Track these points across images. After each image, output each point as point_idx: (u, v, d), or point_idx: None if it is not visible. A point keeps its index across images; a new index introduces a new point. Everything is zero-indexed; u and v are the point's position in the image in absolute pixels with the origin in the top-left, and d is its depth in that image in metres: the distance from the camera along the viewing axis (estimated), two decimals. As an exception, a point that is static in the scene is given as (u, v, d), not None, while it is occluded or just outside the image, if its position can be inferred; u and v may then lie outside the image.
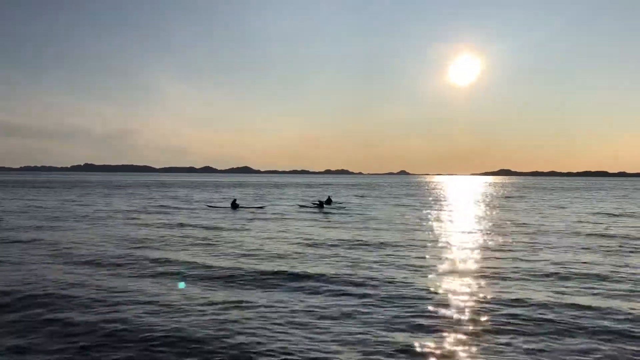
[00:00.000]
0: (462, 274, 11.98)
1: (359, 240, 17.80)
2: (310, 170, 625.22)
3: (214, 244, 16.68)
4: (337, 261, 13.56)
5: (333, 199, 42.51)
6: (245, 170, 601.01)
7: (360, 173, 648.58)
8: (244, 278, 11.34)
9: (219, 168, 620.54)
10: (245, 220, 25.86)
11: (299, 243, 17.16)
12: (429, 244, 16.62)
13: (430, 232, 20.27)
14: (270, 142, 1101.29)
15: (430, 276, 11.63)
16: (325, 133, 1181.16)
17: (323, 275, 11.64)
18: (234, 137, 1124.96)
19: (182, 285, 10.04)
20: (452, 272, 12.17)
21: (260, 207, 34.72)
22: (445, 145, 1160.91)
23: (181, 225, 22.69)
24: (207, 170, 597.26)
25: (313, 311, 8.80)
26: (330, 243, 17.17)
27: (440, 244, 16.85)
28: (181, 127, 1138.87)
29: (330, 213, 31.13)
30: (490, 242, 17.41)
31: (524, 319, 8.49)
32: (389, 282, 10.97)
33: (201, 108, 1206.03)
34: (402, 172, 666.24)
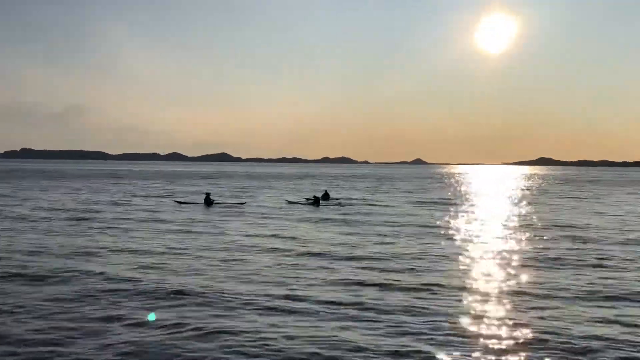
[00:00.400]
0: (503, 296, 11.82)
1: (363, 250, 17.90)
2: (304, 159, 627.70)
3: (176, 254, 16.65)
4: (336, 281, 13.26)
5: (331, 194, 43.02)
6: (222, 157, 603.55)
7: (365, 162, 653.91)
8: (211, 301, 11.12)
9: (189, 155, 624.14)
10: (221, 220, 26.33)
11: (285, 252, 17.23)
12: (454, 257, 16.53)
13: (455, 241, 20.25)
14: (254, 124, 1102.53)
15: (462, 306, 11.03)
16: (324, 112, 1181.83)
17: (315, 298, 11.37)
18: (208, 117, 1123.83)
19: (152, 317, 9.87)
20: (488, 295, 12.01)
21: (240, 204, 35.28)
22: (471, 128, 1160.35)
23: (139, 228, 22.99)
24: (175, 157, 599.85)
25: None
26: (327, 253, 17.15)
27: (468, 256, 16.78)
28: (143, 105, 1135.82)
29: (327, 212, 31.54)
30: (531, 253, 17.47)
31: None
32: (405, 311, 10.52)
33: (169, 81, 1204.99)
34: (418, 162, 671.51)
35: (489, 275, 13.90)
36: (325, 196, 39.45)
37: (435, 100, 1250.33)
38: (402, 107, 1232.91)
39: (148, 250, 17.30)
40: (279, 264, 15.12)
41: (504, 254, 17.17)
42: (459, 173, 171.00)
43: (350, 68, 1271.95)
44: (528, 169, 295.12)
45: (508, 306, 11.02)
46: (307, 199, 38.23)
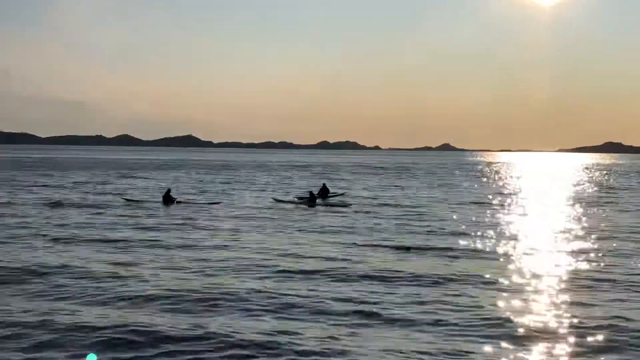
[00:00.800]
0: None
1: (377, 265, 17.67)
2: (296, 144, 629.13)
3: (123, 277, 16.31)
4: (342, 313, 13.04)
5: (331, 189, 43.40)
6: (188, 141, 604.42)
7: (376, 147, 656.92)
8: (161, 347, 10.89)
9: (143, 138, 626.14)
10: (184, 224, 26.68)
11: (269, 271, 17.04)
12: (505, 277, 16.61)
13: (500, 255, 20.25)
14: (230, 99, 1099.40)
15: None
16: (324, 84, 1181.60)
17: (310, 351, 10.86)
18: (170, 89, 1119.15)
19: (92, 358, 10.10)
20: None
21: (213, 204, 36.07)
22: (515, 104, 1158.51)
23: (72, 237, 22.88)
24: (125, 141, 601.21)
25: None
26: (328, 271, 16.90)
27: (521, 275, 16.90)
28: (82, 70, 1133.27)
29: (326, 212, 32.01)
30: (601, 269, 17.90)
31: None
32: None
33: (118, 38, 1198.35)
34: (445, 148, 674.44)
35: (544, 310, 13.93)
36: (324, 192, 39.91)
37: (469, 70, 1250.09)
38: (425, 78, 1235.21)
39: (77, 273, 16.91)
40: (262, 303, 13.77)
41: (570, 274, 17.18)
42: (500, 163, 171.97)
43: (356, 25, 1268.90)
44: (591, 157, 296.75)
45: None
46: (299, 198, 38.69)
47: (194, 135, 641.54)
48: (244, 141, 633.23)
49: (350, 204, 36.13)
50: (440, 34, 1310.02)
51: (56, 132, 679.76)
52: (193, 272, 16.82)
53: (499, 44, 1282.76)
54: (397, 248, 20.96)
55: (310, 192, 37.68)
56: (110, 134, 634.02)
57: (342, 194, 41.80)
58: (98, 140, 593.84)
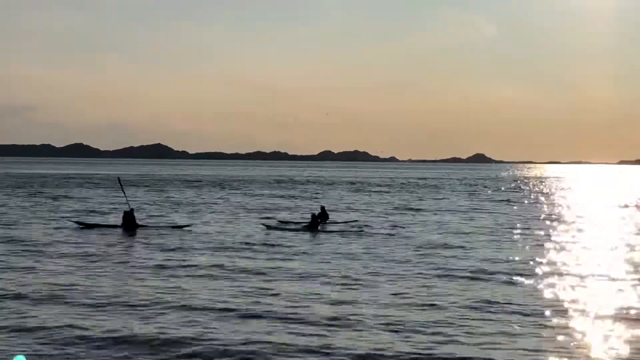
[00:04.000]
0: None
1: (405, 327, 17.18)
2: (291, 154, 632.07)
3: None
4: None
5: (331, 213, 44.06)
6: (158, 152, 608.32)
7: (392, 159, 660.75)
8: None
9: (101, 148, 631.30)
10: (147, 256, 26.90)
11: (259, 336, 16.30)
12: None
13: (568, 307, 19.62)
14: (211, 100, 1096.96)
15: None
16: (330, 77, 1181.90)
17: None
18: (134, 88, 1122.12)
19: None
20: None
21: (183, 227, 37.02)
22: (566, 107, 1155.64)
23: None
24: (80, 151, 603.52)
25: None
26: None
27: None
28: (27, 63, 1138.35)
29: (332, 244, 31.99)
30: None
31: None
32: None
33: (67, 27, 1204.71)
34: (478, 159, 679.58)
35: None
36: (321, 216, 40.37)
37: (507, 62, 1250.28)
38: (451, 73, 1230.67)
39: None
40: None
41: None
42: (552, 177, 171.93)
43: (367, 11, 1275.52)
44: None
45: None
46: (294, 225, 39.33)
47: (163, 144, 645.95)
48: (226, 151, 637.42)
49: (362, 231, 36.54)
50: (468, 20, 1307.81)
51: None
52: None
53: (544, 33, 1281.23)
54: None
55: (313, 215, 38.34)
56: (59, 142, 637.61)
57: (353, 223, 41.53)
58: (45, 150, 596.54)
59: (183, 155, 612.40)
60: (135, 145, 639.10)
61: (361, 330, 16.23)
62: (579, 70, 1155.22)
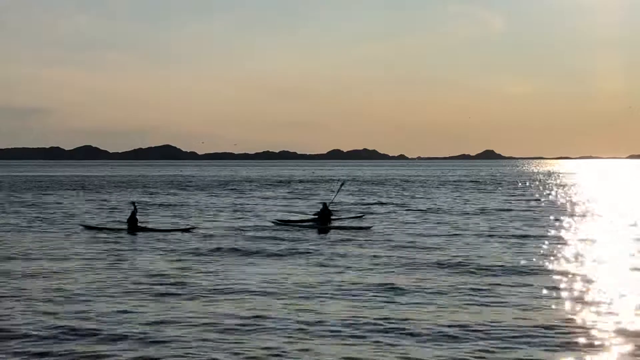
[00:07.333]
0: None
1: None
2: (300, 153, 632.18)
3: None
4: None
5: (335, 206, 44.85)
6: (166, 153, 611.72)
7: (401, 157, 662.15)
8: None
9: (110, 150, 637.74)
10: (151, 259, 26.75)
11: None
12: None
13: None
14: (219, 101, 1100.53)
15: None
16: (336, 74, 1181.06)
17: None
18: (143, 90, 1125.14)
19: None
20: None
21: (186, 230, 36.95)
22: (575, 100, 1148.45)
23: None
24: (90, 153, 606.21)
25: None
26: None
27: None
28: (35, 65, 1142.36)
29: (342, 239, 32.50)
30: None
31: None
32: None
33: (76, 30, 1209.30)
34: (487, 155, 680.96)
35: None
36: (324, 212, 40.12)
37: (515, 57, 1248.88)
38: (460, 68, 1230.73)
39: None
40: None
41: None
42: (563, 173, 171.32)
43: (376, 7, 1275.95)
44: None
45: None
46: (300, 220, 40.28)
47: (172, 145, 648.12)
48: (236, 151, 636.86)
49: (370, 228, 36.30)
50: (476, 15, 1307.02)
51: (1, 144, 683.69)
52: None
53: (553, 27, 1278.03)
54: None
55: (324, 205, 39.01)
56: (68, 145, 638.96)
57: (361, 217, 41.93)
58: (51, 154, 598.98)
59: (192, 156, 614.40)
60: (144, 147, 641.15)
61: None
62: (589, 63, 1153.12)
